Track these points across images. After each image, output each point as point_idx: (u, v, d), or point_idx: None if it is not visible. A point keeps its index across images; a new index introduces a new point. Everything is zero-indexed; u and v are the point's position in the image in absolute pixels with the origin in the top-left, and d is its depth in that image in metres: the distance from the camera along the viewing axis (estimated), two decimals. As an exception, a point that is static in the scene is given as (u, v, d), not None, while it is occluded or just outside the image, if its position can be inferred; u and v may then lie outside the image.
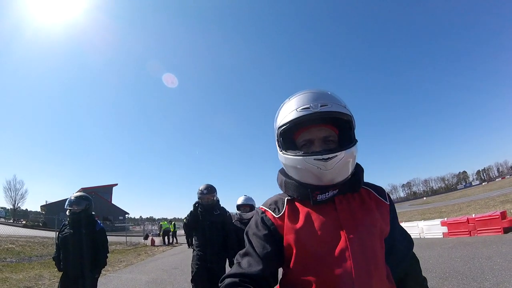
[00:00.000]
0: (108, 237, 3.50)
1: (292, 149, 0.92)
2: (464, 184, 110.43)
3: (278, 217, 0.90)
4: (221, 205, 3.91)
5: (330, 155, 0.82)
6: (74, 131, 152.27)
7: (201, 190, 3.71)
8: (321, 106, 0.85)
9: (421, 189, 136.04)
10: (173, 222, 21.27)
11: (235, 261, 0.90)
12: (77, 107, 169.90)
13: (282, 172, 0.99)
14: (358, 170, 0.94)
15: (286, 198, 0.94)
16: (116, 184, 59.27)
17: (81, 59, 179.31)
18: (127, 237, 19.28)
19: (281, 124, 0.91)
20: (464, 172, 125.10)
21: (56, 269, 3.49)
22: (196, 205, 3.69)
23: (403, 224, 12.15)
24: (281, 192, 1.00)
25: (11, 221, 35.34)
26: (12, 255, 9.73)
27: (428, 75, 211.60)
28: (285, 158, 0.91)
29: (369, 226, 0.86)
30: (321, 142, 0.90)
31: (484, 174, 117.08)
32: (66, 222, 3.31)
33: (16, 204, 49.70)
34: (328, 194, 0.86)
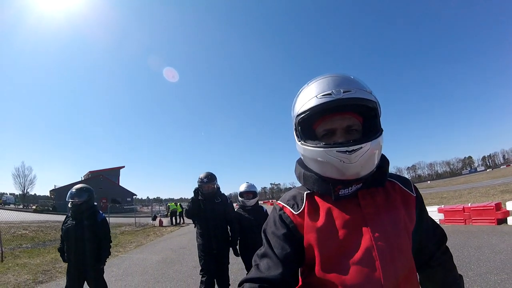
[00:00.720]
0: (117, 218, 3.74)
1: (311, 139, 0.83)
2: (469, 169, 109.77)
3: (297, 214, 0.83)
4: (222, 193, 3.89)
5: (355, 147, 0.74)
6: (81, 116, 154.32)
7: (201, 179, 3.67)
8: (344, 92, 0.76)
9: (426, 173, 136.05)
10: (179, 203, 21.94)
11: (253, 263, 0.84)
12: (83, 93, 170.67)
13: (301, 163, 0.91)
14: (384, 163, 0.86)
15: (305, 193, 0.87)
16: (123, 167, 60.88)
17: (85, 45, 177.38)
18: (136, 218, 19.88)
19: (299, 112, 0.82)
20: (470, 157, 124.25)
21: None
22: (197, 191, 3.68)
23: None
24: (300, 185, 0.93)
25: (21, 206, 36.08)
26: (27, 240, 10.05)
27: (440, 58, 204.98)
28: (304, 149, 0.83)
29: (395, 222, 0.80)
30: (343, 132, 0.81)
31: (490, 160, 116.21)
32: (69, 214, 3.36)
33: (25, 190, 51.54)
34: (351, 189, 0.80)
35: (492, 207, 7.88)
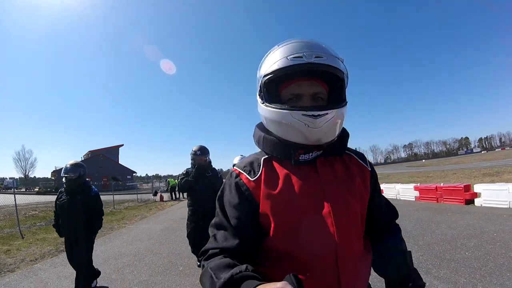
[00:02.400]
0: (120, 196, 4.27)
1: (276, 102, 0.81)
2: (465, 150, 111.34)
3: (253, 180, 0.81)
4: (213, 167, 4.13)
5: (321, 112, 0.74)
6: (79, 98, 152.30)
7: (194, 151, 3.87)
8: (315, 57, 0.75)
9: (422, 151, 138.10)
10: (179, 178, 22.97)
11: (210, 233, 0.83)
12: (80, 75, 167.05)
13: (261, 127, 0.90)
14: (345, 134, 0.88)
15: (263, 158, 0.85)
16: (122, 145, 62.20)
17: (84, 29, 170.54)
18: (138, 194, 21.13)
19: (267, 72, 0.80)
20: (466, 138, 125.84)
21: None
22: (194, 166, 3.89)
23: (382, 186, 13.50)
24: (258, 150, 0.92)
25: (23, 190, 35.96)
26: (39, 219, 10.55)
27: (439, 36, 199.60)
28: (268, 111, 0.81)
29: (352, 191, 0.82)
30: (310, 98, 0.81)
31: (486, 142, 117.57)
32: (63, 189, 3.48)
33: (27, 173, 52.41)
34: (311, 155, 0.80)
35: (461, 188, 8.64)
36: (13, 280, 4.49)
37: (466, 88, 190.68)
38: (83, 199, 3.38)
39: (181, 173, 4.21)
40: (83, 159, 53.96)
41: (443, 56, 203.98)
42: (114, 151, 57.11)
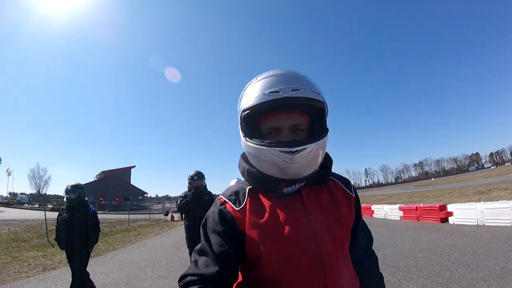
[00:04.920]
0: (133, 215, 4.98)
1: (256, 136, 0.81)
2: (476, 166, 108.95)
3: (238, 210, 0.80)
4: (209, 190, 4.30)
5: (298, 148, 0.73)
6: (93, 118, 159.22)
7: (191, 176, 4.08)
8: (292, 90, 0.74)
9: (433, 169, 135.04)
10: (178, 201, 24.29)
11: (192, 258, 0.81)
12: (95, 97, 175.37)
13: (245, 158, 0.88)
14: (327, 162, 0.87)
15: (248, 188, 0.84)
16: (134, 166, 63.47)
17: (94, 47, 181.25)
18: (150, 214, 23.00)
19: (245, 107, 0.79)
20: (477, 153, 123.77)
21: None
22: (192, 190, 4.09)
23: (373, 207, 14.68)
24: (243, 179, 0.90)
25: (37, 206, 36.44)
26: None
27: (447, 53, 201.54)
28: (248, 146, 0.81)
29: (338, 220, 0.82)
30: (289, 131, 0.80)
31: (497, 157, 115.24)
32: (64, 207, 3.85)
33: (40, 190, 54.31)
34: (295, 187, 0.80)
35: (436, 208, 9.64)
36: (58, 275, 5.85)
37: (475, 103, 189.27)
38: (81, 217, 3.74)
39: (179, 195, 4.45)
40: (96, 179, 56.21)
41: (448, 73, 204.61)
42: (126, 172, 58.37)
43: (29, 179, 55.50)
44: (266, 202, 0.81)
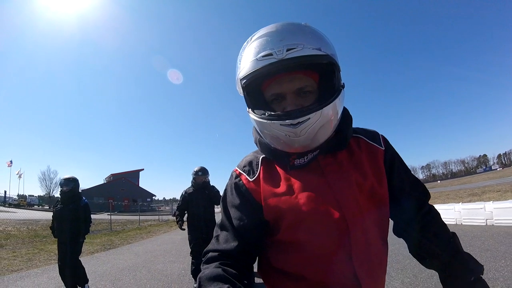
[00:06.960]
0: (143, 216, 5.44)
1: (261, 105, 0.74)
2: (484, 167, 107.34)
3: (252, 181, 0.77)
4: (212, 185, 4.43)
5: (300, 119, 0.64)
6: (102, 122, 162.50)
7: (195, 171, 4.16)
8: (287, 50, 0.63)
9: (441, 172, 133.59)
10: (179, 202, 26.07)
11: (214, 233, 0.80)
12: (104, 100, 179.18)
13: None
14: (344, 124, 0.76)
15: (261, 157, 0.81)
16: (143, 169, 64.75)
17: (102, 51, 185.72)
18: (159, 216, 24.48)
19: (241, 76, 0.70)
20: (485, 155, 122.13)
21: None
22: (193, 189, 4.22)
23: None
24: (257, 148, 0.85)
25: (47, 207, 37.66)
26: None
27: (455, 55, 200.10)
28: (252, 118, 0.74)
29: (361, 185, 0.74)
30: (294, 96, 0.70)
31: (505, 158, 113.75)
32: (59, 199, 4.03)
33: (51, 192, 55.06)
34: (307, 158, 0.73)
35: None
36: (85, 261, 6.62)
37: (483, 104, 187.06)
38: (73, 208, 3.87)
39: (181, 193, 4.59)
40: (105, 182, 57.54)
41: (458, 74, 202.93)
42: (134, 174, 59.68)
43: (40, 182, 57.12)
44: (280, 170, 0.78)
